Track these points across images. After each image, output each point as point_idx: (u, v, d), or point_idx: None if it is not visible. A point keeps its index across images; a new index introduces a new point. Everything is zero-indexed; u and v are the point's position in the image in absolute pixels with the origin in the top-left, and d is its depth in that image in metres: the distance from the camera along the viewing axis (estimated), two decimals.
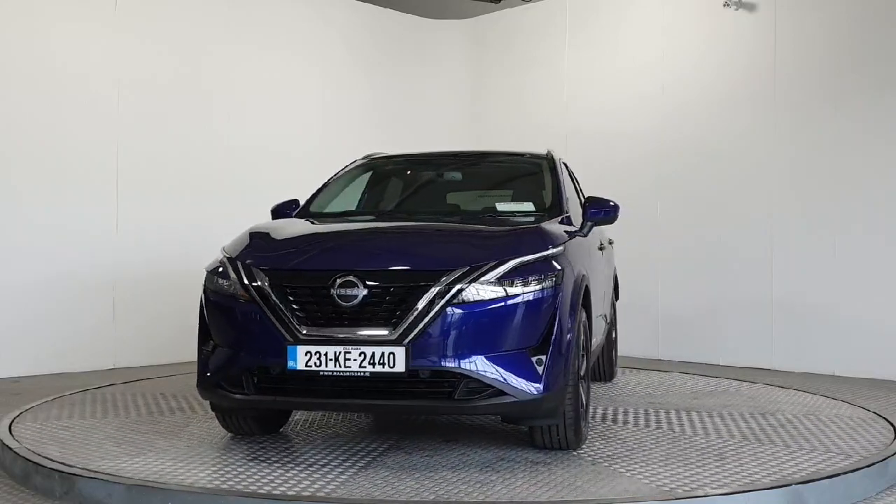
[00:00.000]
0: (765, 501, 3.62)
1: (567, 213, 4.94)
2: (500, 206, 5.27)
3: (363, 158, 6.05)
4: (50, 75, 7.65)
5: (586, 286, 4.49)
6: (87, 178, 7.86)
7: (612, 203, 5.08)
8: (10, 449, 4.28)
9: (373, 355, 3.83)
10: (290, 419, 5.04)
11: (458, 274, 3.91)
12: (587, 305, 4.60)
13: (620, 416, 5.31)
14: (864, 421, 5.24)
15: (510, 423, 4.45)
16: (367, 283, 3.92)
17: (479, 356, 3.85)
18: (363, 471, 3.94)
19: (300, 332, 3.92)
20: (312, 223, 4.93)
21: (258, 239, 4.45)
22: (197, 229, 8.27)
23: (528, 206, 5.12)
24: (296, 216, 5.26)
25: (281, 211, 5.37)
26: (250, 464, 4.06)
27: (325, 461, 4.12)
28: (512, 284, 3.94)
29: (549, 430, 4.20)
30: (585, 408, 4.56)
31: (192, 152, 8.55)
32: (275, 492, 3.58)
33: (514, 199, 5.37)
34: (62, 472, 3.86)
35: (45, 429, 4.85)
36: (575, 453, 4.27)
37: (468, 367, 3.84)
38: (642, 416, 5.29)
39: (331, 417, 5.20)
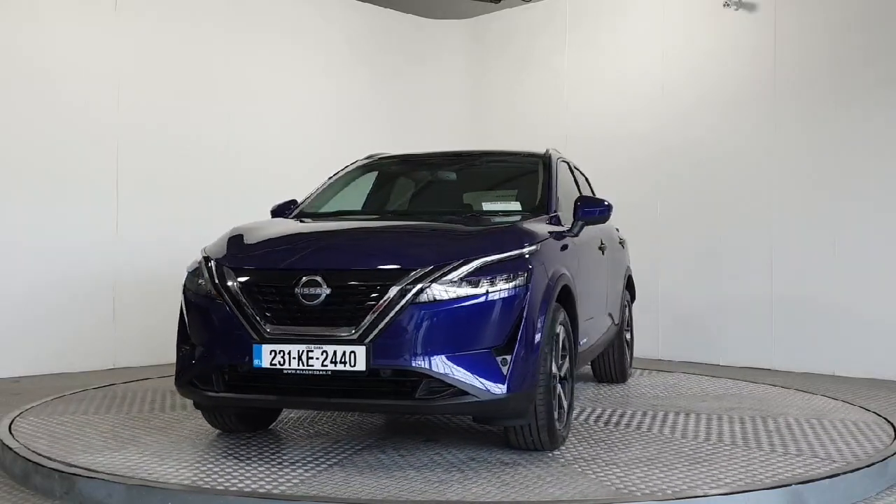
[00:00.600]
0: (765, 501, 3.61)
1: (555, 212, 4.93)
2: (487, 206, 5.27)
3: (365, 158, 6.06)
4: (50, 75, 7.65)
5: (565, 286, 4.46)
6: (88, 178, 7.86)
7: (605, 203, 5.08)
8: (10, 449, 4.28)
9: (334, 354, 3.86)
10: (281, 417, 5.09)
11: (419, 273, 3.92)
12: (570, 305, 4.59)
13: (616, 418, 5.28)
14: (863, 421, 5.24)
15: (481, 423, 4.46)
16: (330, 282, 3.95)
17: (440, 356, 3.84)
18: (329, 469, 3.97)
19: (266, 331, 3.97)
20: (300, 223, 4.97)
21: (235, 239, 4.51)
22: (197, 229, 8.25)
23: (515, 206, 5.12)
24: (291, 216, 5.31)
25: (280, 211, 5.44)
26: (222, 459, 4.13)
27: (296, 459, 4.16)
28: (476, 284, 3.93)
29: (521, 430, 4.19)
30: (568, 408, 4.52)
31: (193, 152, 8.55)
32: (274, 491, 3.58)
33: (505, 199, 5.35)
34: (62, 472, 3.86)
35: (45, 429, 4.84)
36: (551, 454, 4.25)
37: (428, 367, 3.84)
38: (639, 418, 5.25)
39: (322, 416, 5.24)
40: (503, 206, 5.16)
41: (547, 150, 5.67)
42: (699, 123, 8.86)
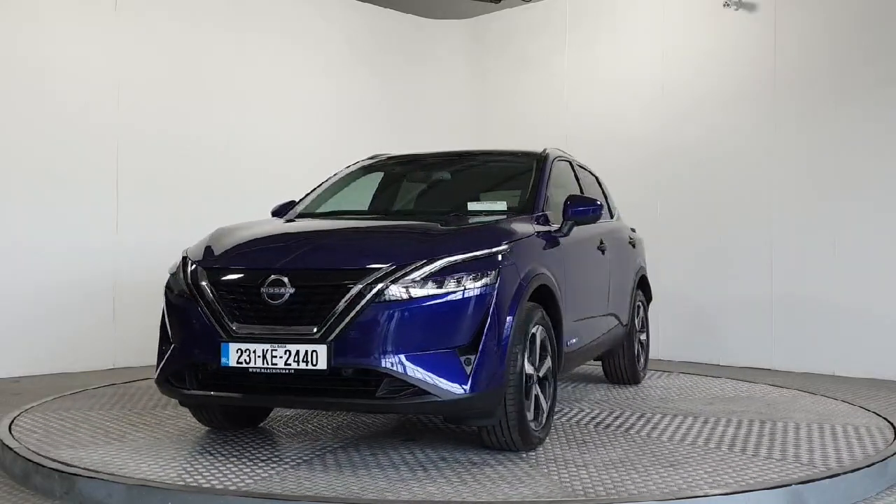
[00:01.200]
0: (765, 501, 3.61)
1: (542, 211, 4.94)
2: (472, 206, 5.27)
3: (369, 158, 6.10)
4: (50, 75, 7.66)
5: (543, 285, 4.45)
6: (88, 178, 7.86)
7: (596, 202, 5.07)
8: (10, 449, 4.28)
9: (297, 353, 3.89)
10: (273, 415, 5.15)
11: (381, 273, 3.94)
12: (552, 305, 4.58)
13: (609, 420, 5.22)
14: (863, 421, 5.24)
15: (451, 423, 4.45)
16: (294, 282, 3.99)
17: (401, 355, 3.85)
18: (296, 467, 4.01)
19: (233, 330, 4.03)
20: (284, 223, 5.00)
21: (214, 240, 4.57)
22: (197, 230, 8.15)
23: (500, 206, 5.11)
24: (286, 216, 5.38)
25: (279, 212, 5.51)
26: (197, 456, 4.20)
27: (267, 456, 4.21)
28: (439, 284, 3.94)
29: (493, 430, 4.19)
30: (549, 409, 4.51)
31: (193, 152, 8.55)
32: (274, 491, 3.58)
33: (492, 199, 5.31)
34: (62, 472, 3.86)
35: (44, 429, 4.85)
36: (525, 455, 4.24)
37: (389, 366, 3.85)
38: (633, 421, 5.19)
39: (313, 414, 5.30)
40: (489, 205, 5.16)
41: (544, 150, 5.65)
42: (699, 123, 8.86)
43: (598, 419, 5.26)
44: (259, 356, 3.94)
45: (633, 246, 6.81)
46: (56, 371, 7.54)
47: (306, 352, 3.88)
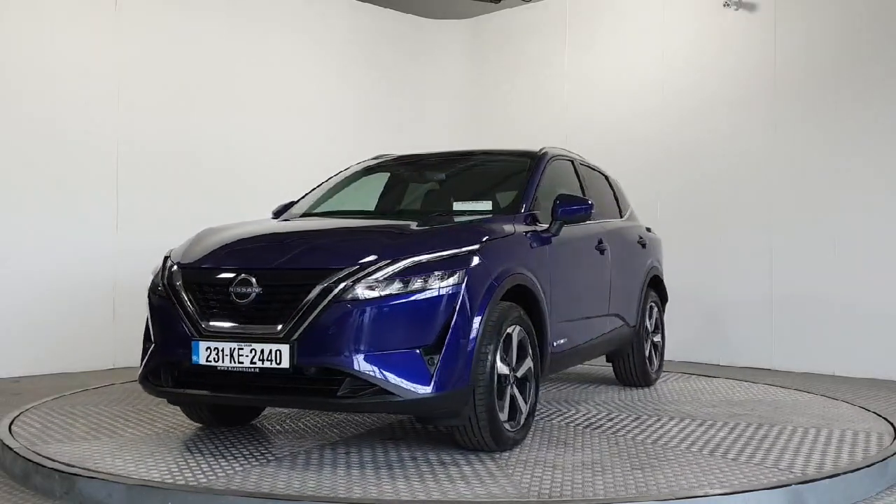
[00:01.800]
0: (765, 501, 3.61)
1: (529, 211, 4.93)
2: (457, 206, 5.28)
3: (373, 159, 6.12)
4: (50, 75, 7.66)
5: (520, 285, 4.44)
6: (88, 178, 7.86)
7: (587, 202, 5.03)
8: (10, 449, 4.29)
9: (262, 352, 3.94)
10: (266, 413, 5.21)
11: (345, 273, 3.96)
12: (533, 305, 4.57)
13: (601, 421, 5.16)
14: (863, 421, 5.24)
15: (421, 423, 4.44)
16: (261, 281, 4.04)
17: (362, 354, 3.87)
18: (264, 465, 4.05)
19: (203, 329, 4.09)
20: (269, 223, 5.05)
21: (196, 240, 4.66)
22: (197, 230, 8.24)
23: (485, 206, 5.12)
24: (281, 217, 5.45)
25: (279, 212, 5.57)
26: (174, 453, 4.26)
27: (240, 454, 4.26)
28: (403, 283, 3.95)
29: (464, 430, 4.19)
30: (529, 410, 4.48)
31: (193, 152, 8.55)
32: (274, 491, 3.59)
33: (486, 198, 5.32)
34: (62, 472, 3.86)
35: (45, 429, 4.85)
36: (497, 455, 4.23)
37: (350, 365, 3.86)
38: (626, 423, 5.12)
39: (304, 413, 5.33)
40: (473, 206, 5.16)
41: (541, 150, 5.63)
42: (699, 123, 8.86)
43: (591, 420, 5.23)
44: (227, 354, 4.00)
45: (644, 246, 6.69)
46: (56, 371, 7.54)
47: (270, 351, 3.92)
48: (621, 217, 6.59)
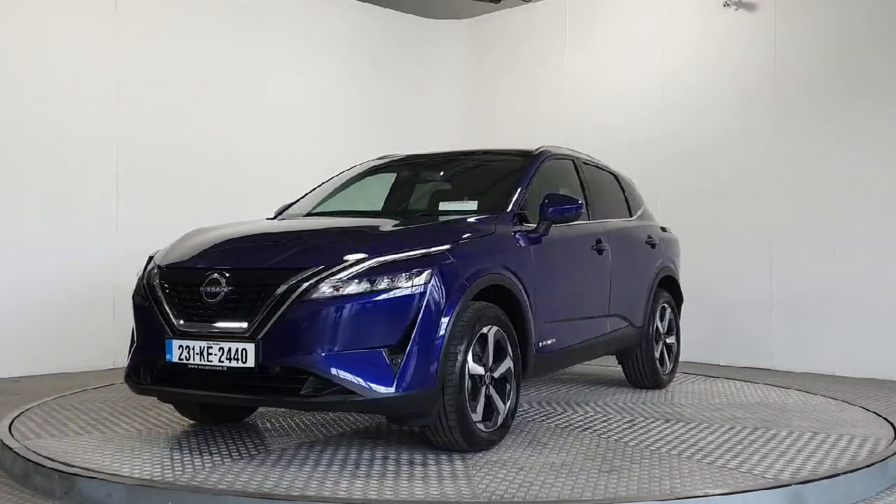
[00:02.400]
0: (765, 501, 3.61)
1: (517, 211, 4.91)
2: (443, 206, 5.26)
3: (378, 159, 6.13)
4: (50, 75, 7.66)
5: (497, 285, 4.43)
6: (87, 178, 7.86)
7: (578, 202, 4.98)
8: (10, 449, 4.29)
9: (229, 350, 3.98)
10: (262, 411, 5.25)
11: (310, 272, 3.98)
12: (514, 305, 4.56)
13: (592, 423, 5.10)
14: (863, 421, 5.24)
15: (392, 422, 4.44)
16: (230, 281, 4.09)
17: (325, 353, 3.89)
18: (235, 461, 4.12)
19: (176, 328, 4.16)
20: (255, 224, 5.09)
21: (179, 241, 4.73)
22: None
23: (471, 206, 5.12)
24: (277, 217, 5.51)
25: (280, 213, 5.61)
26: (173, 452, 4.32)
27: (217, 451, 4.33)
28: (367, 283, 3.96)
29: (435, 430, 4.19)
30: (509, 410, 4.45)
31: (193, 152, 8.55)
32: (275, 491, 3.59)
33: (479, 198, 5.30)
34: (62, 472, 3.87)
35: (44, 429, 4.85)
36: (469, 456, 4.21)
37: (313, 364, 3.88)
38: (618, 425, 5.05)
39: (297, 411, 5.34)
40: (459, 206, 5.17)
41: (538, 149, 5.61)
42: (699, 123, 8.86)
43: (582, 422, 5.17)
44: (197, 353, 4.06)
45: (653, 246, 6.53)
46: (56, 371, 7.54)
47: (237, 349, 3.97)
48: (631, 216, 6.50)
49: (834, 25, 8.00)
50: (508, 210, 4.90)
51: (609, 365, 7.39)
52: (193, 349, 4.07)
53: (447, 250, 4.20)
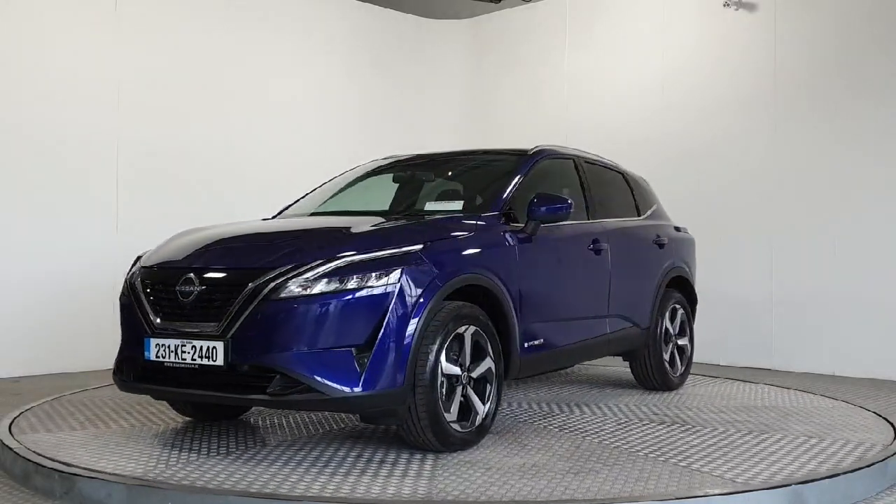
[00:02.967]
0: (765, 501, 3.61)
1: (504, 210, 4.89)
2: (428, 206, 5.26)
3: (384, 159, 6.15)
4: (50, 75, 7.66)
5: (474, 285, 4.42)
6: (88, 178, 7.86)
7: (567, 202, 4.93)
8: (10, 449, 4.29)
9: (201, 348, 4.05)
10: (257, 410, 5.29)
11: (278, 272, 4.02)
12: (496, 305, 4.55)
13: (581, 425, 5.03)
14: (863, 421, 5.24)
15: (364, 422, 4.46)
16: (202, 280, 4.16)
17: (292, 352, 3.92)
18: (210, 457, 4.21)
19: (154, 326, 4.25)
20: (252, 223, 5.12)
21: (166, 242, 4.82)
22: None
23: (456, 205, 5.12)
24: (274, 217, 5.55)
25: (279, 214, 5.67)
26: (155, 449, 4.39)
27: (196, 447, 4.42)
28: (334, 283, 3.97)
29: (407, 430, 4.20)
30: (488, 411, 4.44)
31: (193, 152, 8.55)
32: (279, 491, 3.59)
33: (467, 198, 5.32)
34: (62, 472, 3.87)
35: (44, 429, 4.85)
36: (440, 456, 4.21)
37: (279, 363, 3.92)
38: (607, 427, 4.99)
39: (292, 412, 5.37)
40: (444, 205, 5.17)
41: (534, 148, 5.57)
42: (699, 123, 8.86)
43: (573, 423, 5.10)
44: (172, 351, 4.14)
45: (661, 246, 6.41)
46: (56, 371, 7.54)
47: (207, 348, 4.03)
48: (639, 216, 6.43)
49: (834, 25, 8.00)
50: (494, 210, 4.88)
51: (625, 367, 7.28)
52: (169, 347, 4.14)
53: (419, 250, 4.20)
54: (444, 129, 10.56)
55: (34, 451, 4.22)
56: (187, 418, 5.15)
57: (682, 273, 6.68)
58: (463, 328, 4.30)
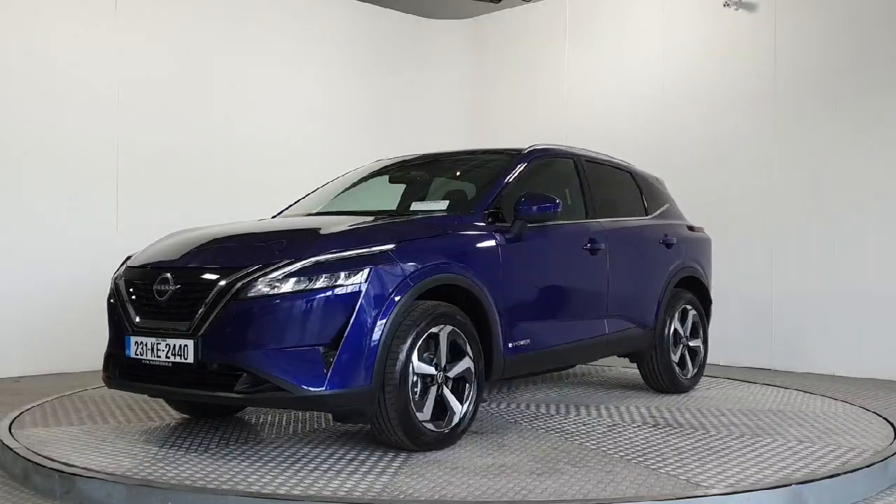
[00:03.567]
0: (765, 501, 3.61)
1: (489, 210, 4.87)
2: (415, 206, 5.27)
3: (389, 160, 6.17)
4: (50, 75, 7.66)
5: (451, 285, 4.42)
6: (88, 179, 7.86)
7: (555, 201, 4.88)
8: (10, 449, 4.29)
9: (174, 347, 4.13)
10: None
11: (246, 271, 4.06)
12: (477, 305, 4.54)
13: (570, 426, 5.00)
14: (864, 421, 5.24)
15: (336, 421, 4.48)
16: (176, 280, 4.24)
17: (258, 350, 3.95)
18: (188, 452, 4.29)
19: (134, 324, 4.35)
20: (244, 224, 5.17)
21: (156, 242, 4.91)
22: None
23: (441, 205, 5.13)
24: (272, 217, 5.62)
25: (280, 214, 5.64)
26: (136, 446, 4.47)
27: (179, 444, 4.50)
28: (301, 282, 4.00)
29: (379, 429, 4.22)
30: (464, 411, 4.42)
31: (192, 153, 8.55)
32: (279, 491, 3.59)
33: (451, 198, 5.32)
34: (62, 472, 3.87)
35: (44, 429, 4.85)
36: (411, 455, 4.20)
37: (246, 361, 3.97)
38: (597, 428, 4.94)
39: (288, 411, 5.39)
40: (430, 205, 5.18)
41: (529, 147, 5.53)
42: (699, 123, 8.86)
43: (563, 425, 5.03)
44: (149, 349, 4.23)
45: (669, 246, 6.28)
46: (56, 371, 7.54)
47: (180, 346, 4.10)
48: (647, 215, 6.34)
49: (834, 25, 8.00)
50: (480, 209, 4.87)
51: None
52: (146, 345, 4.23)
53: (390, 250, 4.21)
54: (444, 128, 10.56)
55: (34, 451, 4.22)
56: (185, 415, 5.21)
57: (694, 273, 6.53)
58: (438, 328, 4.30)
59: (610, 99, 9.59)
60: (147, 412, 5.41)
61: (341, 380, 3.96)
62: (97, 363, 7.64)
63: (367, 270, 4.08)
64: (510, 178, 5.15)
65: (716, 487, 3.67)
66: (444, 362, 4.36)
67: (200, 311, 4.06)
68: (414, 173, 5.99)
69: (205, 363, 4.05)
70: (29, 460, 4.07)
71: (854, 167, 7.80)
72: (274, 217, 5.71)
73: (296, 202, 5.95)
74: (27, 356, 7.43)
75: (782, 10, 8.32)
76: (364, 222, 4.60)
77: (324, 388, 3.93)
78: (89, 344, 7.72)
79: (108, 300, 4.66)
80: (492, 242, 4.75)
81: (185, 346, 4.07)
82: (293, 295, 3.98)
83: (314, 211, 5.58)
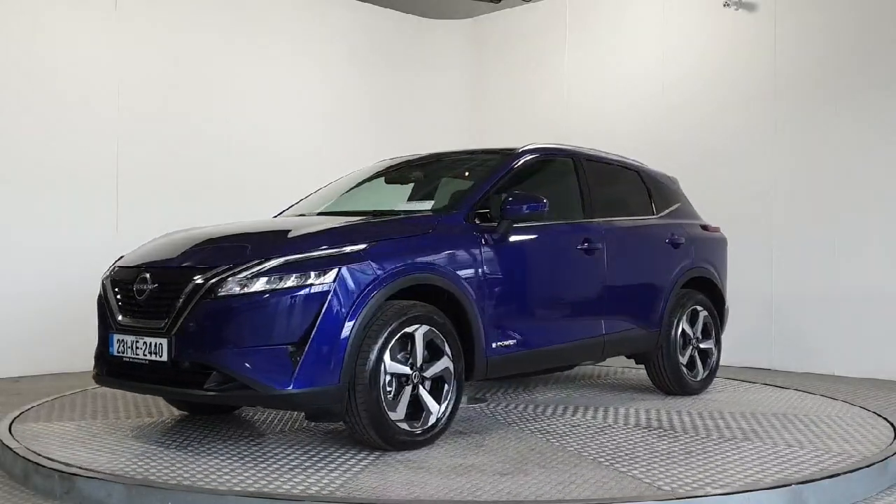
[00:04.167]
0: (765, 501, 3.61)
1: (474, 209, 4.85)
2: (400, 206, 5.28)
3: (391, 160, 6.18)
4: (49, 75, 7.66)
5: (426, 285, 4.42)
6: (87, 179, 7.86)
7: (542, 200, 4.83)
8: (10, 449, 4.30)
9: (150, 345, 4.22)
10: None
11: (216, 271, 4.12)
12: (457, 305, 4.54)
13: (562, 427, 4.95)
14: (864, 421, 5.24)
15: (308, 420, 4.49)
16: (154, 279, 4.33)
17: (227, 349, 4.01)
18: (171, 448, 4.37)
19: (117, 323, 4.44)
20: (238, 224, 5.18)
21: (148, 242, 4.98)
22: None
23: (426, 205, 5.15)
24: (272, 216, 5.66)
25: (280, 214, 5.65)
26: (136, 445, 4.49)
27: (167, 442, 4.54)
28: (270, 281, 4.03)
29: (352, 428, 4.25)
30: (442, 411, 4.42)
31: (192, 153, 8.55)
32: (278, 490, 3.59)
33: (436, 198, 5.33)
34: (62, 472, 3.87)
35: (45, 429, 4.85)
36: (381, 454, 4.21)
37: (215, 360, 4.03)
38: (590, 430, 4.89)
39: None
40: (416, 206, 5.20)
41: (523, 146, 5.49)
42: (699, 123, 8.86)
43: (551, 426, 4.96)
44: (129, 347, 4.32)
45: (676, 246, 6.18)
46: (56, 371, 7.54)
47: (155, 344, 4.19)
48: (654, 215, 6.28)
49: (834, 25, 8.00)
50: (464, 209, 4.85)
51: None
52: (126, 343, 4.32)
53: (361, 250, 4.22)
54: (444, 128, 10.56)
55: (34, 451, 4.22)
56: (184, 413, 5.27)
57: (704, 274, 6.39)
58: (413, 327, 4.30)
59: (610, 99, 9.59)
60: (147, 411, 5.41)
61: (309, 379, 3.99)
62: None
63: (335, 270, 4.10)
64: (500, 177, 5.13)
65: (680, 490, 3.61)
66: (419, 362, 4.35)
67: (174, 309, 4.13)
68: (414, 174, 5.98)
69: (177, 361, 4.12)
70: (29, 460, 4.07)
71: (854, 167, 7.80)
72: (274, 217, 5.72)
73: (296, 202, 5.95)
74: (27, 356, 7.43)
75: (782, 10, 8.32)
76: (344, 222, 4.62)
77: (291, 386, 3.97)
78: (89, 344, 7.68)
79: (98, 299, 4.74)
80: (474, 242, 4.74)
81: (160, 344, 4.15)
82: (262, 294, 4.01)
83: (315, 211, 5.58)
